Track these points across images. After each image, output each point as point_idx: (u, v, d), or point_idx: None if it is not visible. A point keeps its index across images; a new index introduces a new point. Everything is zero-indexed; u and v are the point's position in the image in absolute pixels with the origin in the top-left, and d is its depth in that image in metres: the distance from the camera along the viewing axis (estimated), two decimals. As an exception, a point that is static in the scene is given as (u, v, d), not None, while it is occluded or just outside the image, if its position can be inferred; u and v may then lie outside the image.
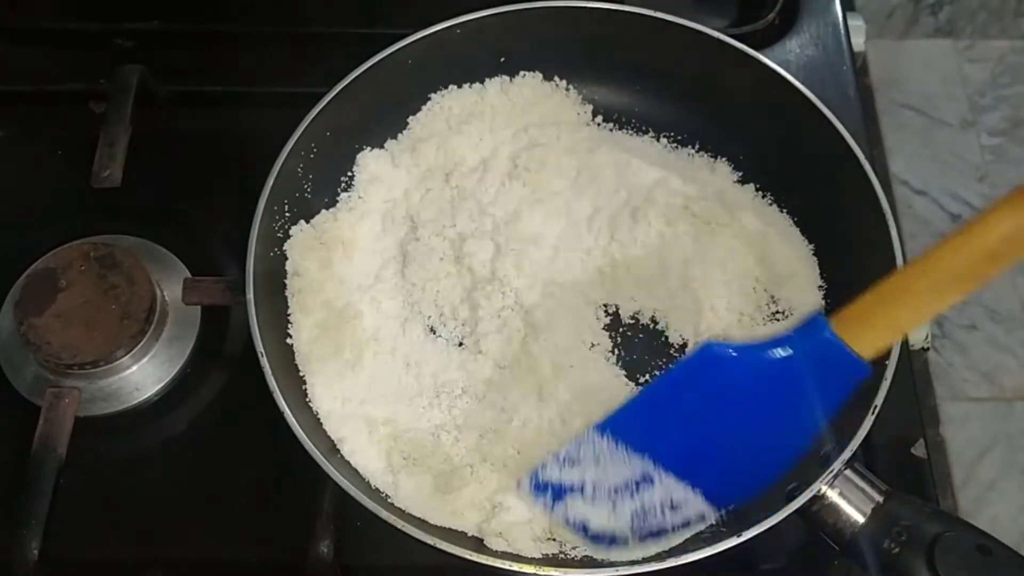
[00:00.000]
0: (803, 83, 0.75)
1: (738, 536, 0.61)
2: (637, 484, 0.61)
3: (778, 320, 0.74)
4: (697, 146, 0.81)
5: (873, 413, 0.63)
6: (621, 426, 0.62)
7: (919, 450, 0.73)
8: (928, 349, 0.78)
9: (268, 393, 0.64)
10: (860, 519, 0.62)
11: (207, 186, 0.84)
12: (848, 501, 0.62)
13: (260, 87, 0.87)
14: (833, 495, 0.62)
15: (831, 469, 0.62)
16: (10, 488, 0.69)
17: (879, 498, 0.62)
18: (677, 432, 0.62)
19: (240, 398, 0.75)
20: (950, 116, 1.91)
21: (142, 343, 0.73)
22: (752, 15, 0.90)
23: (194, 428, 0.75)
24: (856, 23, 0.92)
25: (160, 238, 0.80)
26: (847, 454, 0.62)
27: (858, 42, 0.91)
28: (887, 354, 0.64)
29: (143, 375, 0.75)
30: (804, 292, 0.75)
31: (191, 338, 0.76)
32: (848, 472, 0.62)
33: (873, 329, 0.56)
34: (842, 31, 0.90)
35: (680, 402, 0.61)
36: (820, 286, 0.75)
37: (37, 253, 0.76)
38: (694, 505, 0.61)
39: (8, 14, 0.91)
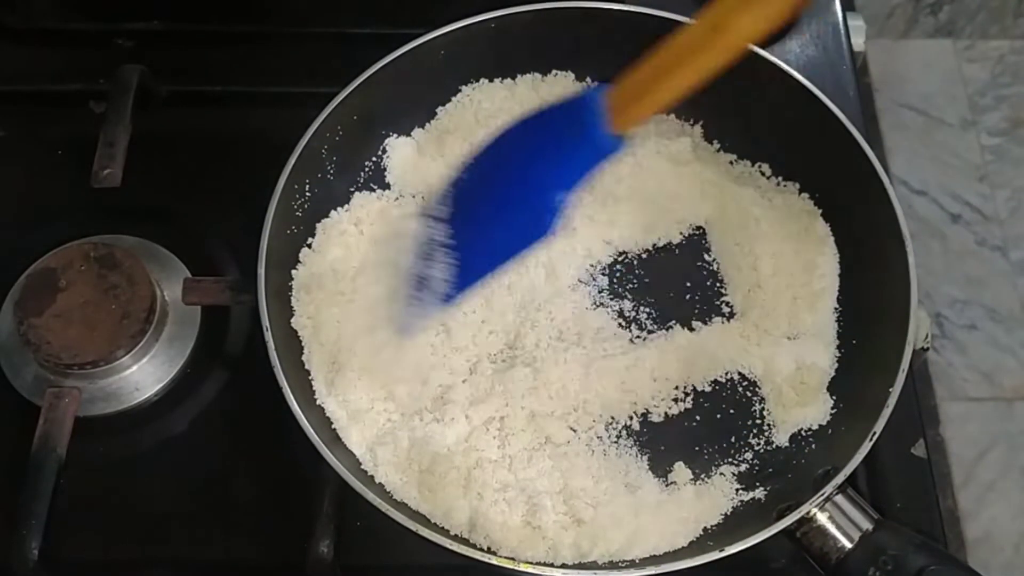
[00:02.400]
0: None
1: (720, 551, 0.60)
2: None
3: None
4: (734, 156, 0.80)
5: (871, 440, 0.63)
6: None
7: (919, 450, 0.73)
8: (928, 349, 0.78)
9: (268, 393, 0.64)
10: (848, 545, 0.61)
11: (207, 186, 0.83)
12: (837, 526, 0.62)
13: (260, 87, 0.87)
14: (822, 518, 0.62)
15: (823, 492, 0.61)
16: (10, 488, 0.69)
17: (868, 525, 0.62)
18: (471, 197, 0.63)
19: (240, 398, 0.75)
20: (950, 116, 1.91)
21: (142, 343, 0.73)
22: (752, 15, 0.90)
23: (194, 428, 0.75)
24: (856, 23, 0.91)
25: (160, 238, 0.80)
26: (840, 478, 0.62)
27: (858, 42, 0.91)
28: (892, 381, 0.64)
29: (143, 375, 0.75)
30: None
31: (191, 338, 0.76)
32: (839, 497, 0.62)
33: (633, 106, 0.55)
34: (842, 31, 0.90)
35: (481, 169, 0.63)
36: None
37: (37, 253, 0.76)
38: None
39: (8, 14, 0.91)
